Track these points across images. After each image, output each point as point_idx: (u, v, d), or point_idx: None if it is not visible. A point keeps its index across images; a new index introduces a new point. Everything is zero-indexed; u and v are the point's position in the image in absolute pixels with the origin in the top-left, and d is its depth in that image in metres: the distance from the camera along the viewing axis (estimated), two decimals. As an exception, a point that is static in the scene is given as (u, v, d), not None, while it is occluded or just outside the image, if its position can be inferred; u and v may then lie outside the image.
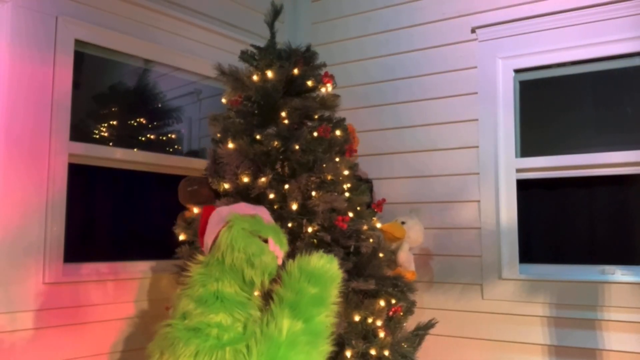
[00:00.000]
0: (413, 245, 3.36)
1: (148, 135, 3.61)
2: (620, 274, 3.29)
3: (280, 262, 2.17)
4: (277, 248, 2.13)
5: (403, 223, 3.33)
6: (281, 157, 2.68)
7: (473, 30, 3.70)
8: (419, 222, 3.41)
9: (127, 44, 3.24)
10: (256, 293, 2.16)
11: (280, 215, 2.58)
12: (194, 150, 3.76)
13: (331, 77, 2.87)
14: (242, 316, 2.05)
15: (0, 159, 2.65)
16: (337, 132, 2.86)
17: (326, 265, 2.17)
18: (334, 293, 2.17)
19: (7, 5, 2.71)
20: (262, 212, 2.25)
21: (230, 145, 2.69)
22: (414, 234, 3.33)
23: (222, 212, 2.19)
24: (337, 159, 2.79)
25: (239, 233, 2.07)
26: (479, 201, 3.62)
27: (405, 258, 3.24)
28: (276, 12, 2.88)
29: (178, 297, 2.19)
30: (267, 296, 2.35)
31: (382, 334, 2.69)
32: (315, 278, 2.13)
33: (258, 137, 2.68)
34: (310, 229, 2.61)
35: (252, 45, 2.89)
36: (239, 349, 1.97)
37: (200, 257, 2.16)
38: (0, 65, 2.69)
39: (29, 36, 2.78)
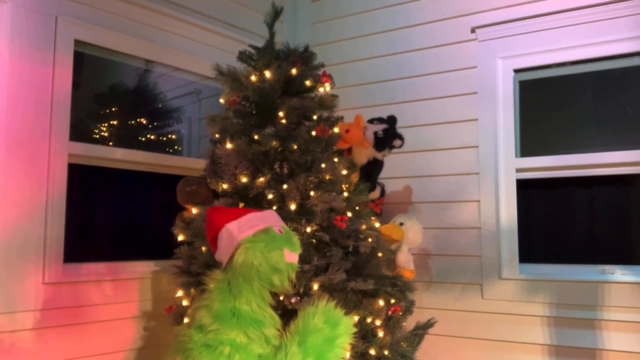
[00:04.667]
0: (412, 246, 3.35)
1: (148, 136, 3.62)
2: (620, 274, 3.28)
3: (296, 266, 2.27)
4: (292, 256, 2.22)
5: (401, 224, 3.32)
6: (279, 157, 2.67)
7: (473, 30, 3.70)
8: (417, 222, 3.39)
9: (127, 44, 3.24)
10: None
11: (279, 216, 2.58)
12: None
13: (329, 77, 2.86)
14: (256, 336, 2.07)
15: (-1, 159, 2.66)
16: (336, 130, 2.87)
17: (345, 317, 2.27)
18: (346, 340, 2.24)
19: (7, 5, 2.72)
20: (271, 219, 2.28)
21: (229, 145, 2.70)
22: (412, 235, 3.31)
23: (232, 229, 2.20)
24: (336, 159, 2.79)
25: (255, 254, 2.13)
26: (478, 201, 3.62)
27: (405, 259, 3.23)
28: (277, 13, 2.87)
29: (196, 308, 2.22)
30: (284, 314, 2.38)
31: (381, 334, 2.69)
32: (332, 321, 2.20)
33: (256, 137, 2.68)
34: (309, 229, 2.61)
35: (251, 46, 2.89)
36: None
37: (218, 273, 2.19)
38: (0, 65, 2.70)
39: (28, 36, 2.78)
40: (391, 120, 3.35)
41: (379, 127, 3.28)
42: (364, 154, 3.24)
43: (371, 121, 3.35)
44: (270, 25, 2.89)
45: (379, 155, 3.28)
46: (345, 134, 3.05)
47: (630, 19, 3.25)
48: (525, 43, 3.53)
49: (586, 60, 3.42)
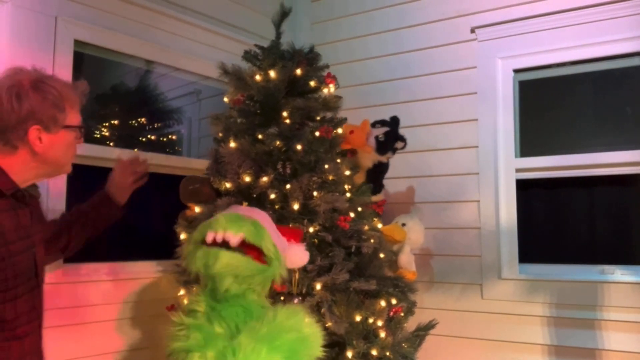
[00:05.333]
0: (414, 247, 3.34)
1: (148, 136, 3.61)
2: (620, 274, 3.29)
3: (234, 241, 1.97)
4: (212, 235, 1.99)
5: (403, 225, 3.31)
6: (283, 157, 2.67)
7: (473, 30, 3.70)
8: (419, 222, 3.39)
9: (127, 44, 3.23)
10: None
11: (282, 215, 2.58)
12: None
13: (334, 78, 2.87)
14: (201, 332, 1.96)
15: None
16: (339, 131, 2.87)
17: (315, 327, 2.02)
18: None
19: (7, 6, 2.71)
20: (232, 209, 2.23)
21: (232, 144, 2.70)
22: (414, 236, 3.30)
23: None
24: (339, 160, 2.80)
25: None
26: (478, 201, 3.62)
27: (407, 261, 3.23)
28: (284, 13, 2.88)
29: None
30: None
31: (383, 334, 2.69)
32: (297, 324, 1.98)
33: (260, 136, 2.68)
34: (311, 229, 2.61)
35: (256, 45, 2.90)
36: None
37: None
38: (0, 65, 2.69)
39: (28, 36, 2.77)
40: (393, 122, 3.35)
41: (380, 131, 3.28)
42: (368, 158, 3.25)
43: (373, 125, 3.35)
44: (278, 26, 2.89)
45: (383, 159, 3.29)
46: (349, 135, 3.07)
47: (630, 19, 3.26)
48: (525, 43, 3.54)
49: (586, 60, 3.43)
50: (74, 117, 2.03)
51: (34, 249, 2.09)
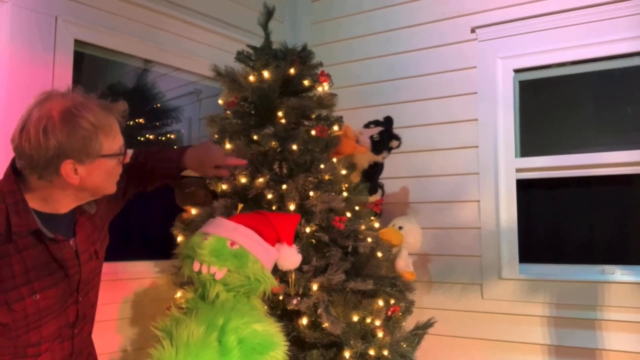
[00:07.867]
0: (411, 251, 3.33)
1: (147, 136, 3.61)
2: (620, 274, 3.28)
3: (219, 276, 2.02)
4: (197, 266, 2.04)
5: (400, 228, 3.30)
6: (278, 157, 2.68)
7: (473, 30, 3.69)
8: (417, 225, 3.37)
9: (127, 44, 3.24)
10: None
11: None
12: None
13: (327, 76, 2.87)
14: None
15: (-1, 159, 2.65)
16: (335, 128, 2.87)
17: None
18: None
19: (7, 5, 2.72)
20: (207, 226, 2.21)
21: (228, 146, 2.70)
22: (412, 239, 3.29)
23: None
24: (335, 159, 2.80)
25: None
26: (478, 201, 3.62)
27: (404, 264, 3.22)
28: (269, 13, 2.88)
29: None
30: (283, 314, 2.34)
31: (380, 334, 2.68)
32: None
33: (255, 137, 2.69)
34: (308, 229, 2.61)
35: (248, 46, 2.90)
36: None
37: None
38: (0, 65, 2.70)
39: (28, 36, 2.78)
40: (387, 122, 3.36)
41: (374, 131, 3.30)
42: (364, 159, 3.27)
43: (367, 125, 3.36)
44: (264, 26, 2.90)
45: (378, 158, 3.30)
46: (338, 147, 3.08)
47: (630, 19, 3.24)
48: (525, 43, 3.53)
49: (586, 61, 3.42)
50: (110, 145, 1.85)
51: (79, 269, 1.94)
